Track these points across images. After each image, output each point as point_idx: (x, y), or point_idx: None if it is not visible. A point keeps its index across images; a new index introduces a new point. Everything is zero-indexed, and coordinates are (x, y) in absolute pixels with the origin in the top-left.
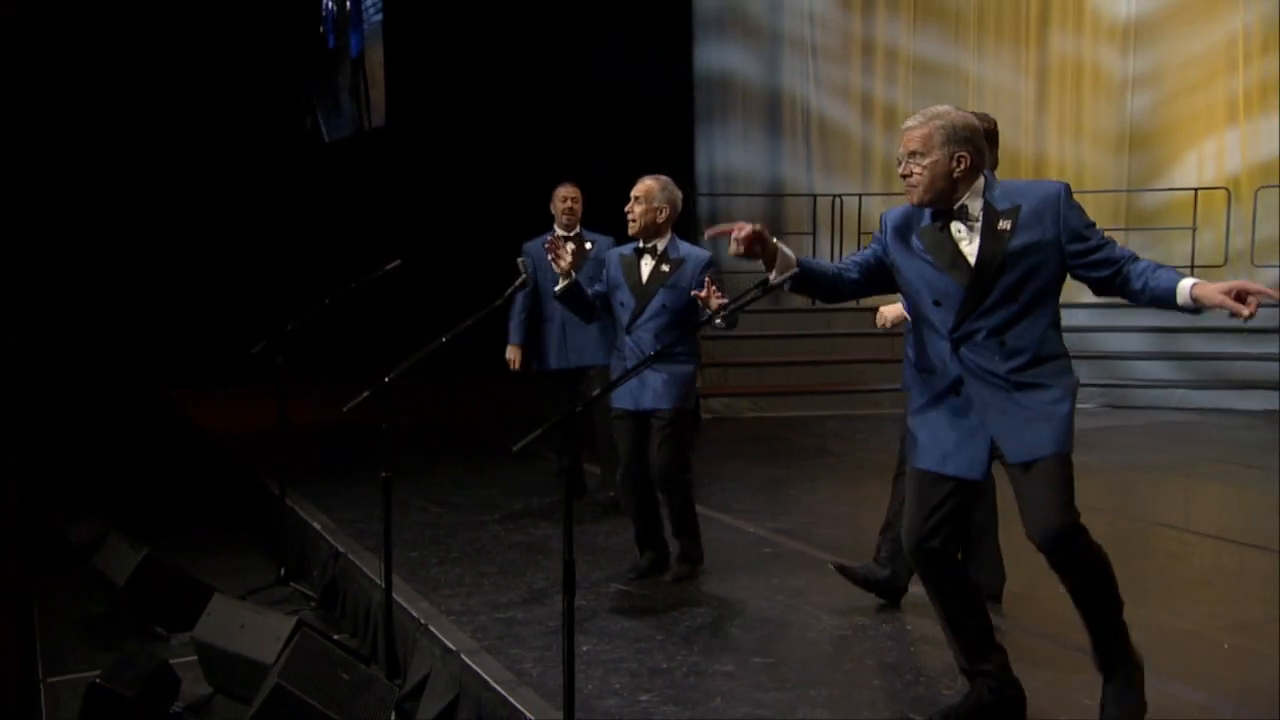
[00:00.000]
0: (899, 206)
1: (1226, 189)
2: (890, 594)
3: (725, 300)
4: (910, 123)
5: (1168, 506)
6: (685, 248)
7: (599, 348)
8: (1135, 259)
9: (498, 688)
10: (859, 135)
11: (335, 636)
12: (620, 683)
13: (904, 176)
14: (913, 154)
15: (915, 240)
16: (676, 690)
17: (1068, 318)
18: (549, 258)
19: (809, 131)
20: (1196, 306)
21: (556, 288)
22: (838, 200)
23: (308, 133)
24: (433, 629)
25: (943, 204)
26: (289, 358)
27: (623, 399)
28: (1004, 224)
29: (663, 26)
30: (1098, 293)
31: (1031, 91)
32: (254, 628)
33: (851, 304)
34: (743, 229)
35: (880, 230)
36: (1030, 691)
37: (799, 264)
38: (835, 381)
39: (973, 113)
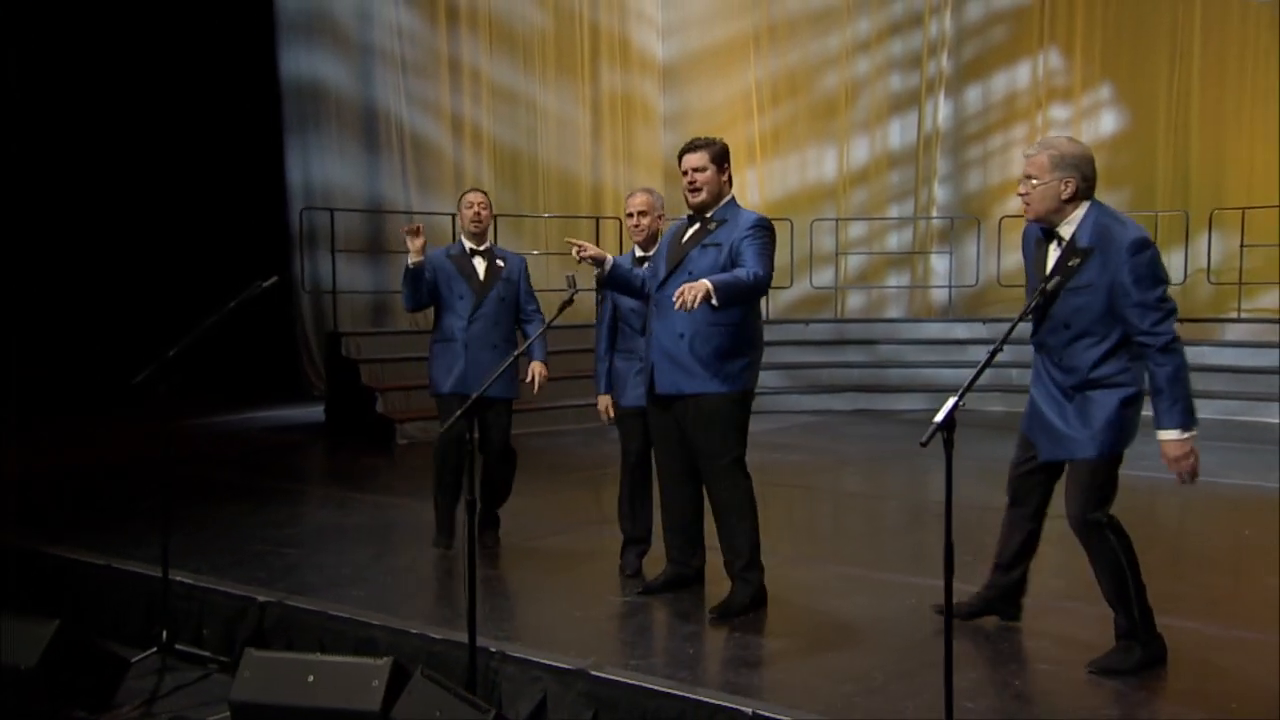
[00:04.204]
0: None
1: None
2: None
3: None
4: (1030, 150)
5: (902, 484)
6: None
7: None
8: (1157, 347)
9: (678, 692)
10: (451, 153)
11: None
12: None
13: (1021, 195)
14: (1028, 177)
15: (1032, 252)
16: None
17: None
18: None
19: (404, 147)
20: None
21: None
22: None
23: None
24: (513, 654)
25: (1048, 223)
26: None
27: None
28: (1074, 260)
29: (242, 27)
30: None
31: (588, 122)
32: (331, 677)
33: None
34: None
35: (1024, 242)
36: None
37: None
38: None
39: None
